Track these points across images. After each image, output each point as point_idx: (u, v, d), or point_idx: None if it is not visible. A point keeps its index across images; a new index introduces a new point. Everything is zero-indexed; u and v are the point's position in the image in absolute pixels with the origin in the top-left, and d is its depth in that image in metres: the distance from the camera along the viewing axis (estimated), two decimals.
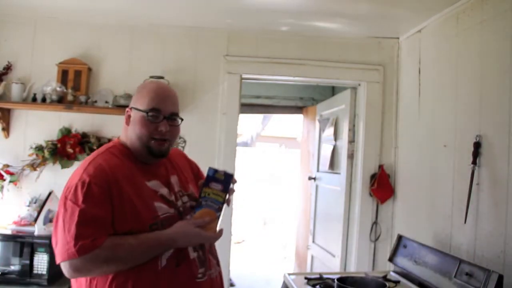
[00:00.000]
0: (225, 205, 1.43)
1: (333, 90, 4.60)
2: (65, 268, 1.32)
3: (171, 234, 1.36)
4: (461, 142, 2.28)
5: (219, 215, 1.42)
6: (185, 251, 1.40)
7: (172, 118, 1.46)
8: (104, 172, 1.35)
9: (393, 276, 2.39)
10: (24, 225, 2.79)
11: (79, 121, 3.04)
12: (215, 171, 1.42)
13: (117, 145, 1.49)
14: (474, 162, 2.11)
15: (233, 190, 1.47)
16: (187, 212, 1.47)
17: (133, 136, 1.45)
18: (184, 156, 1.72)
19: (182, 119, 1.50)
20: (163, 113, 1.44)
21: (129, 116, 1.48)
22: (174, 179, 1.51)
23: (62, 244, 1.29)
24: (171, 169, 1.54)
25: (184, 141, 3.06)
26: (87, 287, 1.36)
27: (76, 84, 2.96)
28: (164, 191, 1.46)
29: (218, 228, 1.43)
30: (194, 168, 1.70)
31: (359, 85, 3.23)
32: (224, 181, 1.42)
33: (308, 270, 4.03)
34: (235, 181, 1.46)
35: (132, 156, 1.46)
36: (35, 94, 2.93)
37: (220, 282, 1.54)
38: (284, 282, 2.32)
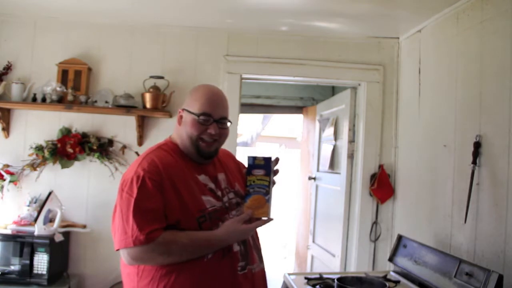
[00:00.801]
0: (272, 187, 1.50)
1: (333, 90, 4.60)
2: (123, 255, 1.42)
3: (220, 235, 1.44)
4: (461, 142, 2.28)
5: (269, 197, 1.49)
6: (230, 244, 1.47)
7: (222, 121, 1.55)
8: (157, 167, 1.44)
9: (393, 276, 2.39)
10: (24, 225, 2.80)
11: (79, 121, 3.04)
12: (254, 158, 1.50)
13: (168, 143, 1.59)
14: (474, 162, 2.10)
15: (277, 171, 1.55)
16: (233, 207, 1.55)
17: (184, 136, 1.53)
18: (232, 157, 1.80)
19: (231, 122, 1.59)
20: (213, 117, 1.52)
21: (181, 117, 1.57)
22: (221, 176, 1.60)
23: (120, 233, 1.39)
24: (219, 167, 1.62)
25: None
26: (136, 275, 1.44)
27: (76, 84, 2.97)
28: (212, 185, 1.54)
29: (270, 212, 1.49)
30: (241, 168, 1.76)
31: (359, 85, 3.23)
32: (264, 165, 1.49)
33: (308, 270, 4.03)
34: (277, 161, 1.54)
35: (183, 154, 1.55)
36: (35, 94, 2.93)
37: (263, 278, 1.59)
38: (284, 282, 2.32)
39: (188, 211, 1.43)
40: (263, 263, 1.61)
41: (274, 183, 1.53)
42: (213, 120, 1.52)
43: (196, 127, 1.51)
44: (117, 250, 1.42)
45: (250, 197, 1.49)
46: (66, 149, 2.92)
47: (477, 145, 2.11)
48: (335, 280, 1.94)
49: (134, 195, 1.38)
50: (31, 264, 2.61)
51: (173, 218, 1.41)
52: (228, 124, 1.58)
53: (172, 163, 1.50)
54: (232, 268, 1.46)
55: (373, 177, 3.11)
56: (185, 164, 1.53)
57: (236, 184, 1.63)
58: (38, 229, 2.68)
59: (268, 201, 1.48)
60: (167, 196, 1.41)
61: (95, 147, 2.94)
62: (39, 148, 2.94)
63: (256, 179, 1.49)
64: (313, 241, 3.99)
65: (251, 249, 1.55)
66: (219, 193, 1.54)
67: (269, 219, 1.50)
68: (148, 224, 1.36)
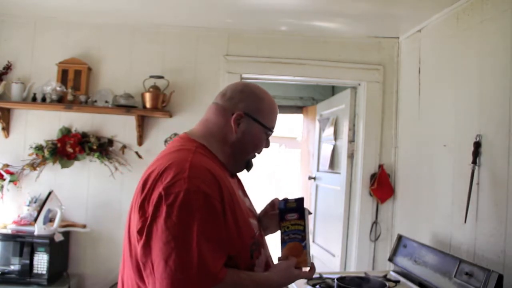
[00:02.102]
0: (307, 230, 1.35)
1: (333, 90, 4.60)
2: None
3: (277, 279, 1.23)
4: (461, 142, 2.28)
5: (305, 244, 1.33)
6: (270, 266, 1.32)
7: None
8: (214, 179, 1.11)
9: (393, 275, 2.39)
10: (24, 224, 2.80)
11: (79, 121, 3.04)
12: (285, 201, 1.38)
13: (200, 148, 1.23)
14: (474, 162, 2.10)
15: (309, 212, 1.39)
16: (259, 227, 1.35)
17: (239, 145, 1.27)
18: None
19: None
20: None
21: (238, 123, 1.27)
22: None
23: (174, 268, 1.00)
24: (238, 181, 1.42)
25: None
26: None
27: (76, 84, 2.97)
28: (248, 202, 1.36)
29: (309, 258, 1.34)
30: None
31: (359, 84, 3.22)
32: (297, 207, 1.36)
33: None
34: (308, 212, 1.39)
35: (219, 161, 1.26)
36: (35, 94, 2.93)
37: None
38: None
39: (243, 238, 1.17)
40: None
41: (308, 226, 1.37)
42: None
43: (263, 141, 1.32)
44: None
45: (285, 245, 1.33)
46: (66, 149, 2.92)
47: (477, 145, 2.11)
48: (335, 280, 1.94)
49: (195, 217, 1.03)
50: (31, 264, 2.61)
51: (233, 249, 1.13)
52: None
53: (223, 176, 1.19)
54: None
55: (373, 177, 3.11)
56: (228, 177, 1.25)
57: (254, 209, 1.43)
58: (38, 229, 2.68)
59: (305, 247, 1.32)
60: (227, 221, 1.11)
61: (95, 147, 2.94)
62: (39, 148, 2.94)
63: (290, 224, 1.34)
64: (313, 241, 3.99)
65: None
66: (255, 211, 1.35)
67: (311, 271, 1.33)
68: (217, 259, 1.05)
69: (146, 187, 1.10)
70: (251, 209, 1.36)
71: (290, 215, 1.35)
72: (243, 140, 1.28)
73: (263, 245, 1.30)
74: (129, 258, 1.13)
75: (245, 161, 1.33)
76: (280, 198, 1.42)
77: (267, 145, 1.36)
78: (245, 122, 1.27)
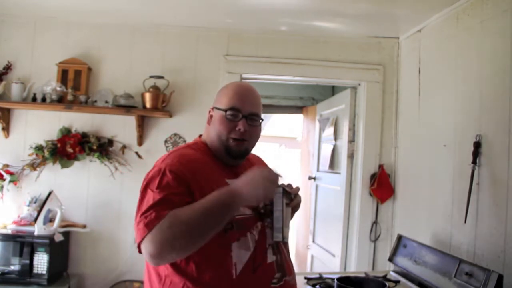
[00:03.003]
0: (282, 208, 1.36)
1: (333, 90, 4.60)
2: (145, 254, 1.20)
3: (235, 184, 1.27)
4: (461, 142, 2.28)
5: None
6: (263, 255, 1.35)
7: (252, 118, 1.43)
8: (181, 162, 1.32)
9: (393, 276, 2.39)
10: (24, 225, 2.80)
11: (79, 121, 3.04)
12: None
13: (198, 143, 1.49)
14: (474, 162, 2.10)
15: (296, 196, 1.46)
16: (269, 214, 1.40)
17: (213, 135, 1.44)
18: (265, 165, 1.65)
19: (262, 120, 1.48)
20: (242, 113, 1.41)
21: (211, 116, 1.48)
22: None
23: (136, 226, 1.23)
24: None
25: (184, 141, 3.06)
26: (158, 282, 1.30)
27: (76, 84, 2.97)
28: None
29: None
30: None
31: (359, 84, 3.22)
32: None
33: (308, 270, 4.03)
34: (298, 189, 1.46)
35: (213, 155, 1.45)
36: (35, 94, 2.93)
37: None
38: None
39: None
40: (295, 274, 1.48)
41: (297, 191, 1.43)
42: (242, 115, 1.40)
43: (225, 124, 1.40)
44: (139, 251, 1.23)
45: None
46: (66, 149, 2.92)
47: (477, 145, 2.11)
48: (335, 280, 1.94)
49: (154, 188, 1.25)
50: (31, 264, 2.61)
51: None
52: (260, 122, 1.46)
53: (200, 162, 1.39)
54: (267, 281, 1.32)
55: (373, 177, 3.11)
56: (215, 166, 1.41)
57: None
58: (38, 229, 2.68)
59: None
60: (192, 193, 1.27)
61: (95, 147, 2.94)
62: (39, 148, 2.94)
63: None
64: (313, 241, 3.99)
65: (286, 259, 1.43)
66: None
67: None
68: (161, 210, 1.20)
69: None
70: None
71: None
72: (214, 128, 1.44)
73: (249, 230, 1.35)
74: None
75: (224, 146, 1.42)
76: None
77: (240, 127, 1.40)
78: (213, 114, 1.47)
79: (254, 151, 1.55)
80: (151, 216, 1.19)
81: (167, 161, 1.33)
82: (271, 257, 1.36)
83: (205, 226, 1.20)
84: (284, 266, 1.40)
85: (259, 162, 1.65)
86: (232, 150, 1.42)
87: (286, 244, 1.46)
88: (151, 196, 1.24)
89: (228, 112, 1.41)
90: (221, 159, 1.44)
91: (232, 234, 1.30)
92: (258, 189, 1.26)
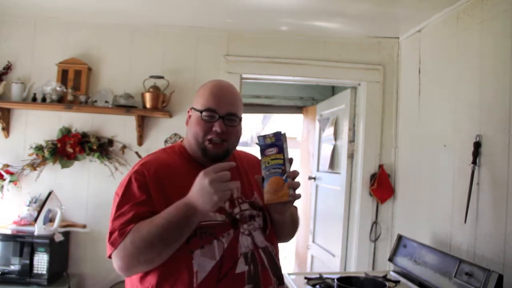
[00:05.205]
0: (289, 165, 1.31)
1: (333, 90, 4.60)
2: (115, 267, 1.25)
3: (189, 195, 1.21)
4: (461, 142, 2.28)
5: (286, 177, 1.29)
6: (231, 264, 1.27)
7: (230, 118, 1.36)
8: (147, 168, 1.31)
9: (393, 276, 2.39)
10: (24, 225, 2.80)
11: (79, 121, 3.04)
12: (264, 137, 1.34)
13: (175, 146, 1.46)
14: (474, 162, 2.10)
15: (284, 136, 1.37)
16: (244, 220, 1.35)
17: (190, 137, 1.39)
18: (258, 163, 1.43)
19: (241, 119, 1.42)
20: (219, 113, 1.34)
21: (189, 117, 1.42)
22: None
23: (107, 237, 1.26)
24: (235, 175, 1.35)
25: None
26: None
27: (76, 84, 2.97)
28: None
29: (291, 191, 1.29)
30: None
31: (359, 85, 3.23)
32: (276, 142, 1.32)
33: (308, 270, 4.03)
34: (291, 161, 1.35)
35: (190, 158, 1.40)
36: (35, 94, 2.93)
37: None
38: None
39: None
40: (283, 286, 1.38)
41: (291, 161, 1.32)
42: (219, 116, 1.34)
43: (201, 125, 1.34)
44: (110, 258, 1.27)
45: (267, 180, 1.29)
46: (66, 149, 2.92)
47: (477, 145, 2.11)
48: (335, 280, 1.94)
49: (119, 197, 1.28)
50: (31, 264, 2.61)
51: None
52: (238, 122, 1.40)
53: (170, 166, 1.35)
54: None
55: (373, 177, 3.11)
56: (191, 170, 1.32)
57: (255, 194, 1.43)
58: (38, 229, 2.68)
59: (286, 180, 1.28)
60: (156, 200, 1.26)
61: (95, 147, 2.94)
62: (39, 148, 2.94)
63: (270, 159, 1.31)
64: (313, 241, 3.99)
65: (265, 269, 1.33)
66: (226, 204, 1.33)
67: (290, 201, 1.30)
68: (124, 224, 1.22)
69: None
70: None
71: (269, 150, 1.32)
72: (190, 130, 1.40)
73: (216, 237, 1.28)
74: None
75: (201, 149, 1.36)
76: None
77: (216, 128, 1.33)
78: (191, 114, 1.42)
79: (254, 151, 1.50)
80: (115, 235, 1.22)
81: (135, 168, 1.34)
82: (241, 267, 1.28)
83: (166, 239, 1.19)
84: (259, 278, 1.30)
85: (251, 162, 1.52)
86: (209, 152, 1.35)
87: (268, 253, 1.37)
88: (119, 206, 1.27)
89: (204, 113, 1.35)
90: (199, 162, 1.38)
91: (195, 241, 1.25)
92: (210, 195, 1.16)
